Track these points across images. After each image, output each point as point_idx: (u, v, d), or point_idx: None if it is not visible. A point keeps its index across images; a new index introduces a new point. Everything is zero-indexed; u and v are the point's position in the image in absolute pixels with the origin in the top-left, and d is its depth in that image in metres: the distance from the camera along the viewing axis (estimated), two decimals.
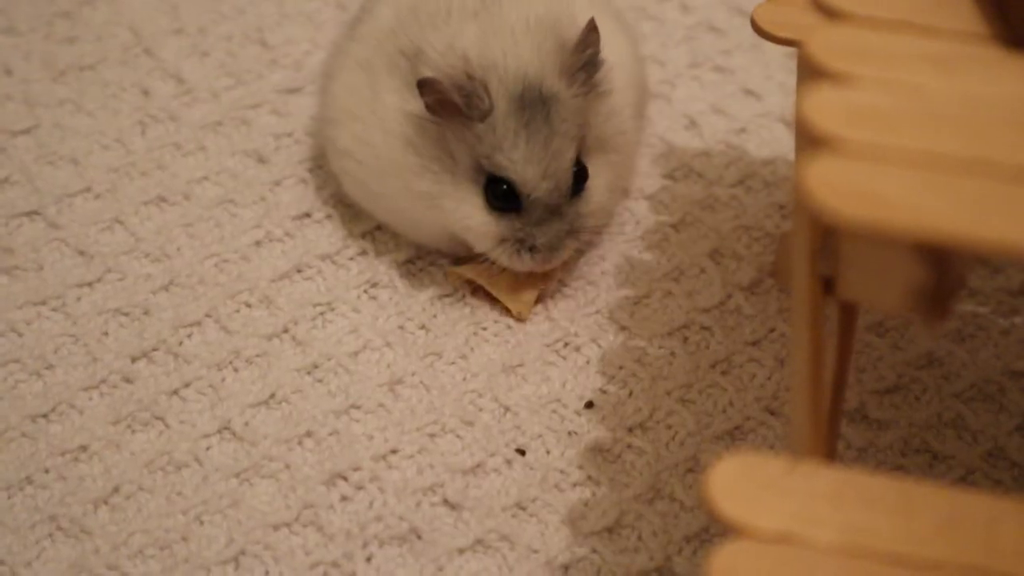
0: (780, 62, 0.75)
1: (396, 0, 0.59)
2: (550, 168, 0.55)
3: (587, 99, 0.56)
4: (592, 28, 0.55)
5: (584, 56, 0.55)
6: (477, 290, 0.61)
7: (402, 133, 0.56)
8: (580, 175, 0.57)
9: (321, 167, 0.66)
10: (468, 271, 0.59)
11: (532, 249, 0.56)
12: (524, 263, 0.57)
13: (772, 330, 0.61)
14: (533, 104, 0.54)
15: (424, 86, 0.54)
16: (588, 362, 0.59)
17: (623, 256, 0.64)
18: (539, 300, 0.60)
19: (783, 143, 0.70)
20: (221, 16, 0.74)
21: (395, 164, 0.56)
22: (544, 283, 0.60)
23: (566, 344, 0.60)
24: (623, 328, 0.60)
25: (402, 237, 0.62)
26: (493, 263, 0.58)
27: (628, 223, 0.65)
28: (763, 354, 0.60)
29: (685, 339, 0.60)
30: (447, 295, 0.61)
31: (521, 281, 0.59)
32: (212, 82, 0.69)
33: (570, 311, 0.61)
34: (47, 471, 0.52)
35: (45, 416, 0.54)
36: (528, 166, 0.55)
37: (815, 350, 0.42)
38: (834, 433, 0.47)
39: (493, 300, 0.60)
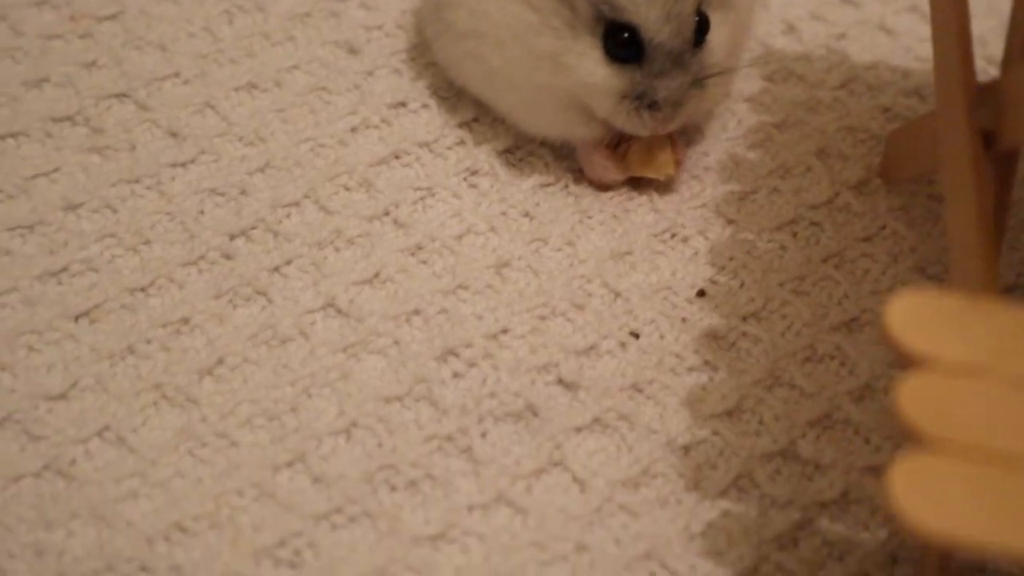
0: None
1: None
2: (673, 10, 0.52)
3: None
4: None
5: None
6: (580, 179, 0.59)
7: None
8: (702, 25, 0.54)
9: (415, 59, 0.64)
10: (599, 163, 0.57)
11: (653, 106, 0.54)
12: (645, 123, 0.54)
13: (883, 227, 0.59)
14: None
15: None
16: (696, 253, 0.57)
17: (726, 153, 0.62)
18: (679, 161, 0.58)
19: (884, 49, 0.68)
20: None
21: (514, 28, 0.54)
22: (674, 143, 0.58)
23: (673, 235, 0.58)
24: (730, 221, 0.58)
25: (502, 126, 0.60)
26: (612, 147, 0.56)
27: (730, 123, 0.63)
28: (876, 250, 0.58)
29: (794, 234, 0.58)
30: (549, 184, 0.59)
31: (650, 148, 0.57)
32: None
33: (676, 203, 0.59)
34: (149, 342, 0.50)
35: (144, 290, 0.52)
36: (650, 7, 0.52)
37: (980, 195, 0.40)
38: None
39: (603, 187, 0.58)
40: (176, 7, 0.65)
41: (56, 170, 0.56)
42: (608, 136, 0.57)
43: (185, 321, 0.51)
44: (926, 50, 0.69)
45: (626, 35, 0.53)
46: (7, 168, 0.56)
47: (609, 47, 0.54)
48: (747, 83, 0.65)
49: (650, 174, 0.58)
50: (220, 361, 0.50)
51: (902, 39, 0.69)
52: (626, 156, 0.58)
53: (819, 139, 0.62)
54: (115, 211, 0.55)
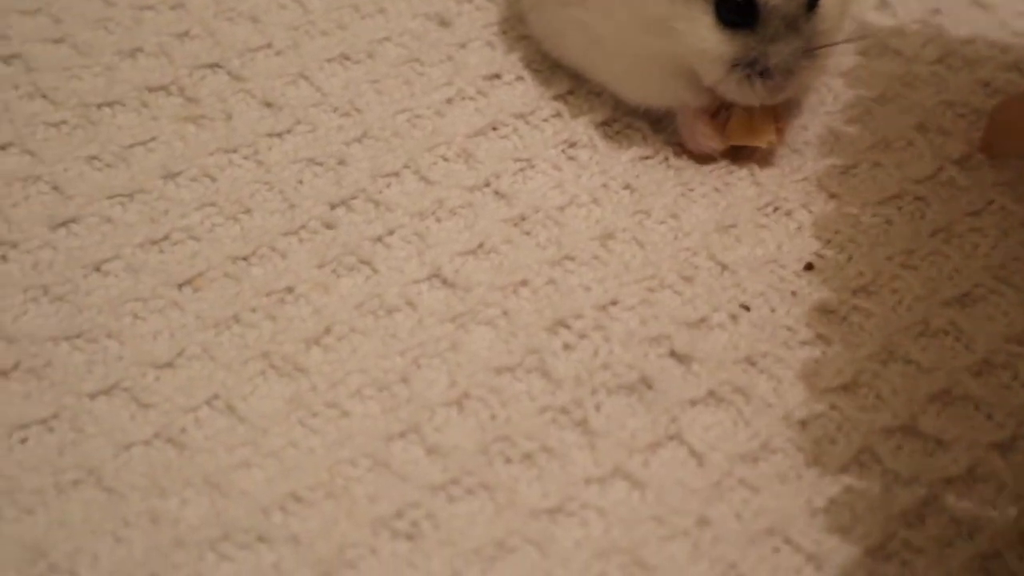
0: None
1: None
2: None
3: None
4: None
5: None
6: (680, 151, 0.58)
7: None
8: None
9: (506, 32, 0.63)
10: (701, 131, 0.56)
11: (764, 74, 0.52)
12: (756, 92, 0.53)
13: (991, 202, 0.57)
14: None
15: None
16: (800, 227, 0.56)
17: (825, 127, 0.60)
18: (781, 131, 0.57)
19: (980, 23, 0.66)
20: None
21: None
22: (777, 112, 0.56)
23: (776, 208, 0.56)
24: (833, 195, 0.57)
25: (598, 99, 0.59)
26: (713, 116, 0.55)
27: (827, 97, 0.62)
28: (985, 224, 0.56)
29: (899, 208, 0.57)
30: (648, 156, 0.58)
31: (753, 116, 0.56)
32: None
33: (777, 177, 0.58)
34: (254, 310, 0.49)
35: (246, 259, 0.51)
36: None
37: None
38: None
39: (704, 157, 0.57)
40: None
41: (153, 139, 0.56)
42: (711, 105, 0.56)
43: (289, 290, 0.50)
44: (1022, 25, 0.68)
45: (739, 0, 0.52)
46: (104, 137, 0.56)
47: (722, 12, 0.52)
48: (841, 57, 0.64)
49: (752, 143, 0.57)
50: (327, 330, 0.49)
51: (998, 13, 0.68)
52: (727, 125, 0.57)
53: (918, 113, 0.61)
54: (214, 180, 0.54)
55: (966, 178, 0.58)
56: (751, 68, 0.53)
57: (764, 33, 0.53)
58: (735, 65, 0.53)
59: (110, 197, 0.53)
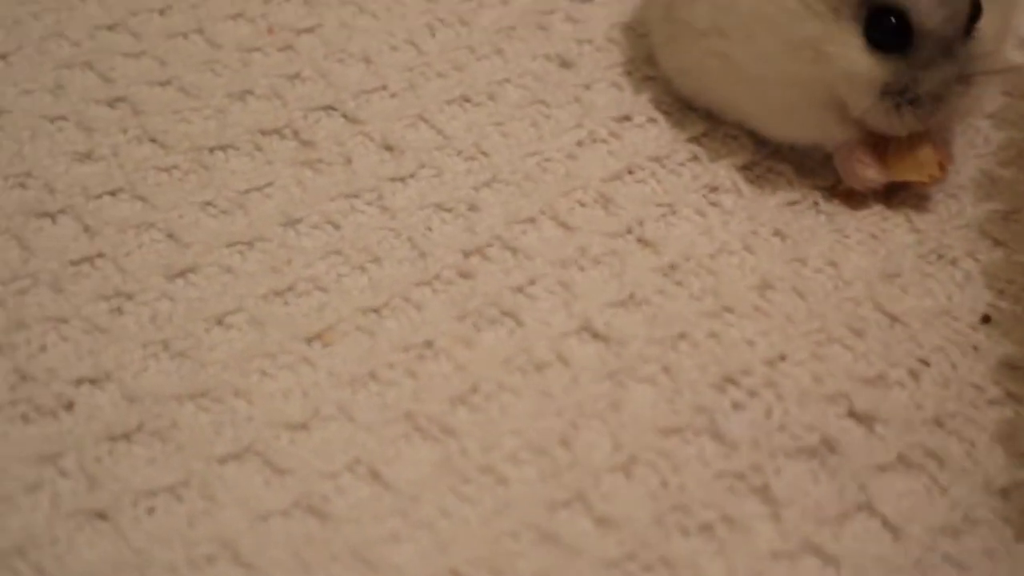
0: None
1: None
2: None
3: None
4: None
5: None
6: (833, 195, 0.54)
7: None
8: (974, 11, 0.49)
9: (631, 73, 0.59)
10: (861, 161, 0.52)
11: (914, 102, 0.49)
12: (904, 119, 0.49)
13: None
14: None
15: None
16: (968, 276, 0.51)
17: (978, 170, 0.56)
18: (944, 163, 0.52)
19: None
20: None
21: (771, 17, 0.49)
22: (936, 143, 0.52)
23: (939, 256, 0.52)
24: (999, 242, 0.53)
25: (736, 141, 0.55)
26: (867, 153, 0.52)
27: (976, 139, 0.58)
28: None
29: None
30: (796, 201, 0.53)
31: (913, 149, 0.51)
32: None
33: (936, 223, 0.53)
34: (392, 367, 0.45)
35: (377, 311, 0.47)
36: None
37: None
38: None
39: (857, 200, 0.53)
40: (375, 20, 0.61)
41: (269, 184, 0.52)
42: (866, 136, 0.52)
43: (428, 345, 0.46)
44: None
45: (893, 20, 0.48)
46: (218, 182, 0.52)
47: (872, 34, 0.49)
48: (986, 98, 0.61)
49: (914, 177, 0.53)
50: (474, 388, 0.44)
51: None
52: (885, 158, 0.53)
53: None
54: (337, 227, 0.50)
55: None
56: (901, 96, 0.49)
57: (917, 57, 0.49)
58: (885, 92, 0.49)
59: (229, 245, 0.49)
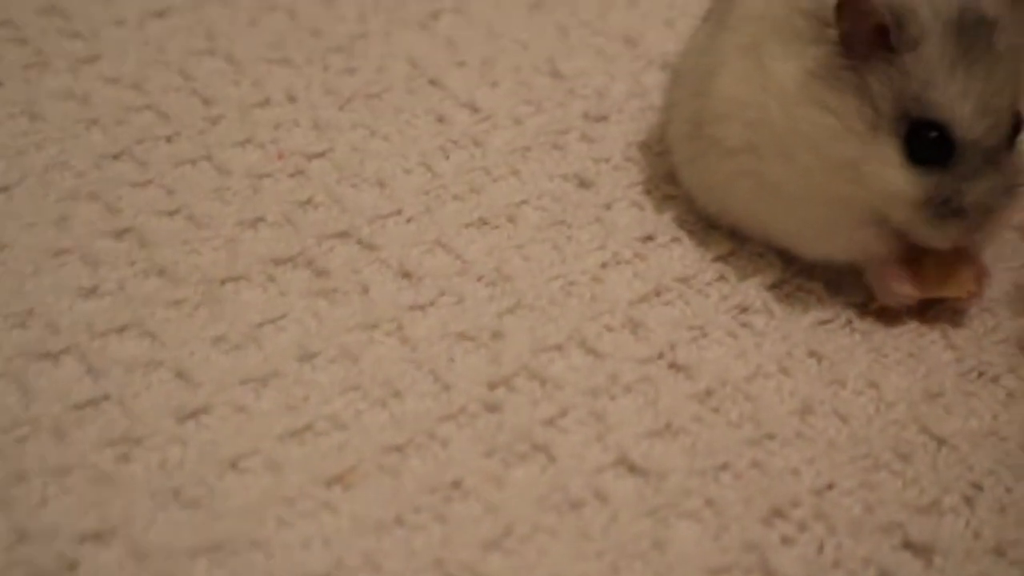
0: None
1: None
2: (992, 103, 0.47)
3: None
4: None
5: None
6: (866, 313, 0.52)
7: (812, 98, 0.48)
8: (1016, 123, 0.48)
9: (650, 192, 0.58)
10: (896, 276, 0.51)
11: (958, 213, 0.47)
12: (947, 232, 0.48)
13: None
14: (972, 28, 0.46)
15: (845, 7, 0.46)
16: (1011, 394, 0.49)
17: (1011, 283, 0.54)
18: (981, 281, 0.51)
19: None
20: (503, 50, 0.67)
21: (808, 135, 0.48)
22: (974, 257, 0.51)
23: (980, 374, 0.50)
24: None
25: (763, 260, 0.54)
26: (901, 269, 0.50)
27: (1004, 251, 0.57)
28: None
29: None
30: (828, 320, 0.52)
31: (948, 264, 0.50)
32: (511, 109, 0.62)
33: (973, 339, 0.52)
34: (418, 510, 0.42)
35: (401, 449, 0.45)
36: (966, 100, 0.46)
37: None
38: None
39: (891, 317, 0.51)
40: (387, 143, 0.60)
41: (283, 316, 0.50)
42: (901, 251, 0.51)
43: (456, 485, 0.43)
44: None
45: (935, 133, 0.47)
46: (230, 315, 0.50)
47: (914, 148, 0.47)
48: None
49: (950, 294, 0.51)
50: (507, 531, 0.42)
51: None
52: (921, 274, 0.51)
53: None
54: (355, 360, 0.48)
55: None
56: (945, 207, 0.48)
57: (960, 170, 0.48)
58: (927, 205, 0.48)
59: (242, 383, 0.47)
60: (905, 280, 0.51)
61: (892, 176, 0.48)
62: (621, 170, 0.60)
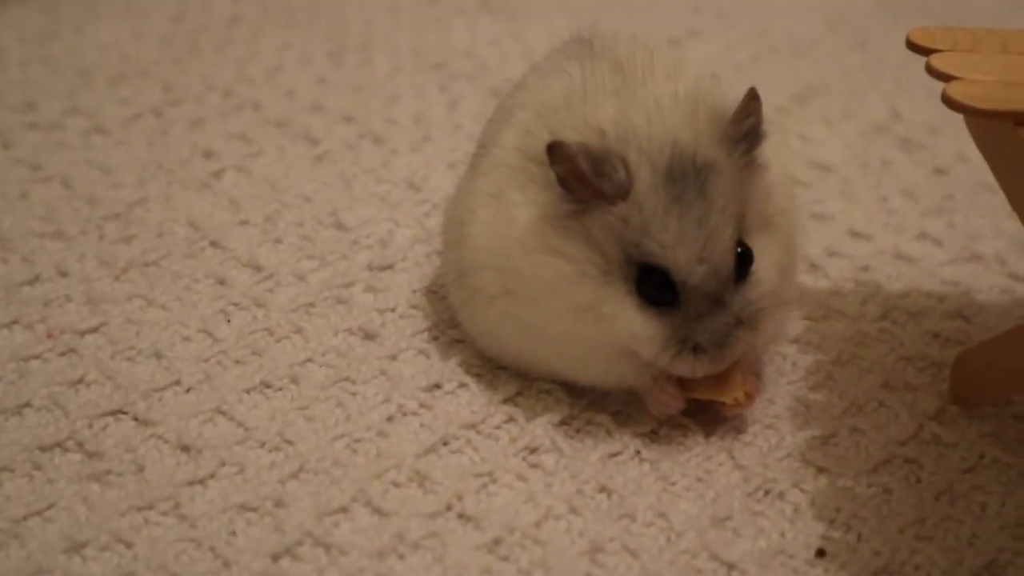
0: (876, 205, 0.72)
1: (518, 119, 0.54)
2: (707, 249, 0.48)
3: (745, 174, 0.50)
4: (754, 96, 0.50)
5: (745, 125, 0.50)
6: (650, 443, 0.53)
7: (547, 245, 0.49)
8: (744, 258, 0.50)
9: (437, 338, 0.58)
10: (665, 400, 0.51)
11: (697, 349, 0.49)
12: (692, 367, 0.49)
13: (982, 456, 0.53)
14: (684, 176, 0.48)
15: (553, 152, 0.48)
16: (797, 509, 0.50)
17: (791, 397, 0.56)
18: (751, 392, 0.52)
19: (909, 275, 0.65)
20: (285, 205, 0.68)
21: (549, 283, 0.49)
22: (743, 372, 0.52)
23: (767, 492, 0.51)
24: (821, 469, 0.52)
25: (551, 397, 0.54)
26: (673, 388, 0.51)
27: (784, 365, 0.59)
28: (984, 480, 0.52)
29: (892, 474, 0.52)
30: (617, 452, 0.52)
31: (720, 375, 0.51)
32: (294, 266, 0.62)
33: (758, 457, 0.53)
34: None
35: None
36: (680, 248, 0.48)
37: None
38: None
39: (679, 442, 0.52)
40: (165, 312, 0.59)
41: (50, 506, 0.47)
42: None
43: None
44: (949, 273, 0.68)
45: (658, 278, 0.49)
46: None
47: (643, 290, 0.49)
48: (789, 325, 0.61)
49: (718, 398, 0.52)
50: None
51: (922, 264, 0.67)
52: (691, 382, 0.52)
53: (880, 372, 0.58)
54: (129, 546, 0.46)
55: (950, 433, 0.54)
56: (683, 344, 0.49)
57: (688, 311, 0.49)
58: (667, 342, 0.49)
59: None
60: (673, 391, 0.52)
61: (629, 318, 0.49)
62: (407, 318, 0.60)
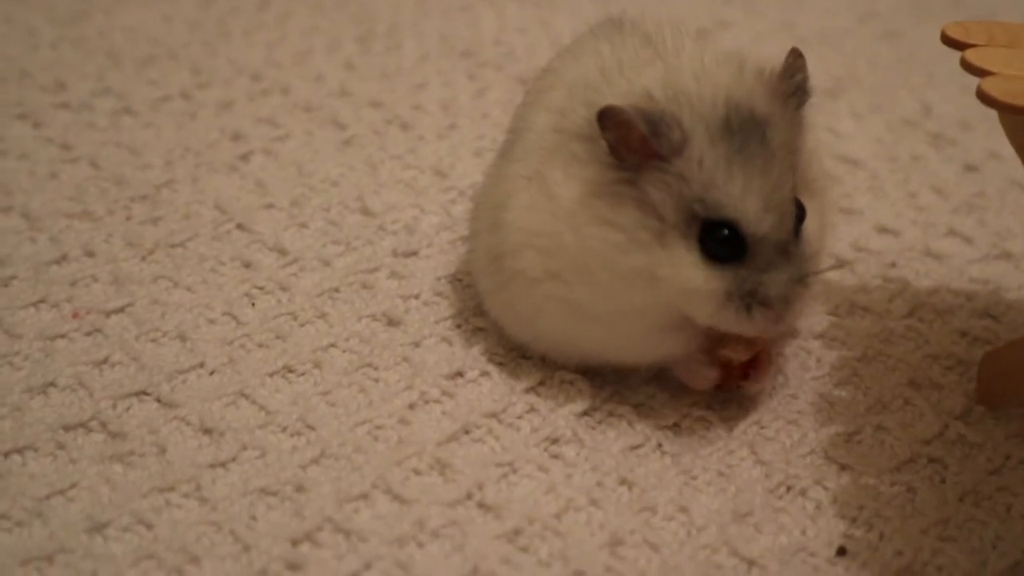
0: (905, 201, 0.72)
1: (550, 99, 0.53)
2: (773, 198, 0.48)
3: (794, 131, 0.50)
4: (798, 54, 0.50)
5: (794, 81, 0.50)
6: (672, 437, 0.52)
7: (597, 216, 0.49)
8: (800, 213, 0.50)
9: (460, 326, 0.58)
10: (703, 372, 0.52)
11: (764, 304, 0.48)
12: (755, 323, 0.49)
13: (1008, 457, 0.53)
14: (744, 128, 0.48)
15: (604, 118, 0.47)
16: (819, 506, 0.50)
17: (815, 393, 0.56)
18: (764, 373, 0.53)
19: (939, 273, 0.65)
20: (311, 190, 0.68)
21: (601, 255, 0.49)
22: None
23: (788, 488, 0.51)
24: (844, 467, 0.52)
25: (573, 388, 0.54)
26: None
27: (808, 361, 0.58)
28: (1010, 481, 0.51)
29: (917, 473, 0.52)
30: (639, 445, 0.52)
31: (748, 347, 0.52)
32: (319, 251, 0.62)
33: (781, 453, 0.52)
34: None
35: None
36: (748, 197, 0.48)
37: None
38: None
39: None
40: (191, 294, 0.59)
41: (73, 486, 0.48)
42: (704, 345, 0.52)
43: None
44: (978, 271, 0.67)
45: (726, 232, 0.48)
46: (15, 490, 0.47)
47: (708, 247, 0.48)
48: (813, 318, 0.61)
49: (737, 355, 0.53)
50: None
51: (952, 261, 0.66)
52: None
53: (906, 370, 0.58)
54: (150, 527, 0.46)
55: (975, 433, 0.54)
56: (750, 298, 0.49)
57: (756, 263, 0.49)
58: (729, 298, 0.49)
59: (24, 563, 0.44)
60: (706, 361, 0.52)
61: (689, 276, 0.49)
62: (430, 305, 0.60)
